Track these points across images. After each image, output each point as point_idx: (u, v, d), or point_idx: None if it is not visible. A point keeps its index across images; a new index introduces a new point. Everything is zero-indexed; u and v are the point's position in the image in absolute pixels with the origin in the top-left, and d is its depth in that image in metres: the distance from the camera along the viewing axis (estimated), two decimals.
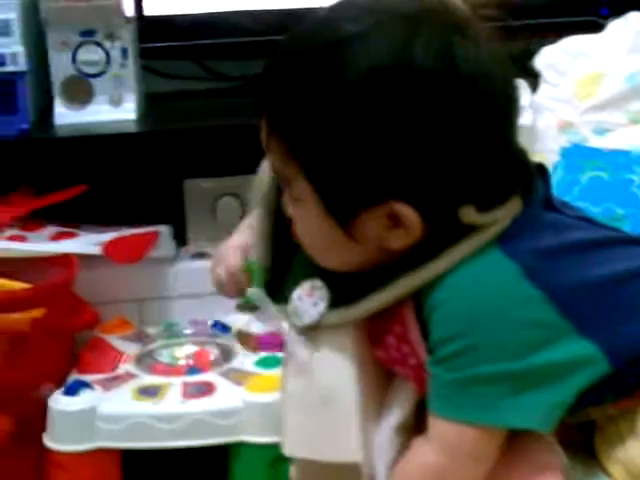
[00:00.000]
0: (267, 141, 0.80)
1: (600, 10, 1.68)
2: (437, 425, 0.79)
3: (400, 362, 0.85)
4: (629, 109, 1.31)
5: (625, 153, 1.25)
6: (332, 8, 0.79)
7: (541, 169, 0.86)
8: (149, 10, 1.68)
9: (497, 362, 0.76)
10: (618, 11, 1.52)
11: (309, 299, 0.84)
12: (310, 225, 0.81)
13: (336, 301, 0.83)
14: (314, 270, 0.85)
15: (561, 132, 1.34)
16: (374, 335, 0.86)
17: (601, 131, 1.32)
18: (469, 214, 0.78)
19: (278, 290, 0.90)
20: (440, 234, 0.79)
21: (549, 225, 0.82)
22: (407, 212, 0.77)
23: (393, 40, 0.75)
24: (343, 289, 0.84)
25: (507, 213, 0.80)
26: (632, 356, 0.80)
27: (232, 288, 0.99)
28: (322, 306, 0.83)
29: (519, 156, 0.82)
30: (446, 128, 0.75)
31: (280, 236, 0.90)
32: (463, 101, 0.75)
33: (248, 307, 1.09)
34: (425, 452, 0.79)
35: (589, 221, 0.86)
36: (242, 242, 0.99)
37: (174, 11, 1.70)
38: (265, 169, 0.90)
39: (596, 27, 1.48)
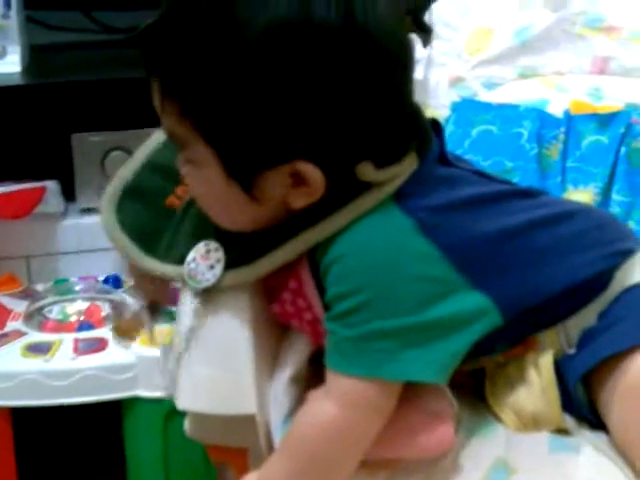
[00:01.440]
0: (160, 102, 0.78)
1: None
2: (336, 380, 0.79)
3: (296, 317, 0.85)
4: (518, 64, 1.33)
5: (514, 107, 1.27)
6: None
7: (435, 125, 0.86)
8: None
9: (392, 317, 0.77)
10: None
11: (205, 262, 0.83)
12: (209, 187, 0.80)
13: (232, 261, 0.83)
14: (207, 230, 0.83)
15: (452, 87, 1.35)
16: (270, 290, 0.85)
17: (491, 85, 1.33)
18: (367, 171, 0.78)
19: (152, 243, 0.88)
20: (338, 192, 0.78)
21: (444, 180, 0.82)
22: (310, 170, 0.77)
23: (292, 2, 0.73)
24: (239, 249, 0.83)
25: (403, 170, 0.80)
26: (522, 307, 0.82)
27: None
28: (219, 269, 0.82)
29: (414, 112, 0.82)
30: (345, 83, 0.75)
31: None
32: (361, 56, 0.75)
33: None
34: (324, 407, 0.79)
35: (483, 175, 0.87)
36: None
37: None
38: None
39: None
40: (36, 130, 1.55)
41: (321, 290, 0.81)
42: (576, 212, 0.87)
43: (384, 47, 0.76)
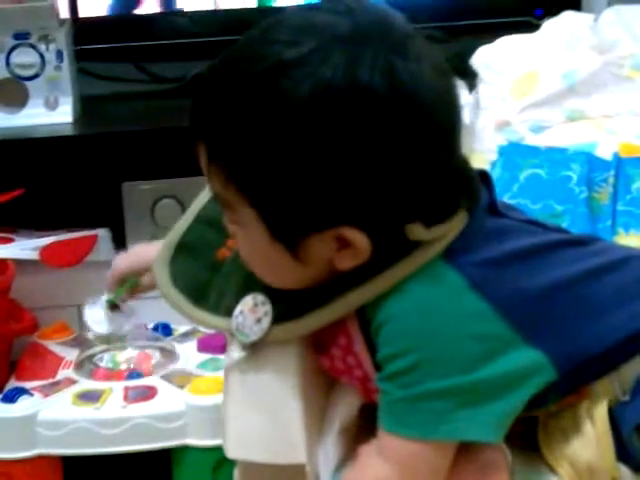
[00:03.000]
0: (206, 166, 0.78)
1: (534, 11, 1.70)
2: (389, 441, 0.78)
3: (346, 373, 0.85)
4: (565, 107, 1.33)
5: (562, 150, 1.27)
6: (265, 29, 0.77)
7: (483, 175, 0.85)
8: (84, 12, 1.66)
9: (446, 377, 0.76)
10: (552, 12, 1.54)
11: (252, 315, 0.83)
12: (254, 247, 0.80)
13: (280, 316, 0.82)
14: (255, 282, 0.83)
15: (499, 131, 1.35)
16: (319, 345, 0.85)
17: (538, 129, 1.33)
18: (416, 231, 0.77)
19: (203, 295, 0.89)
20: (387, 251, 0.78)
21: (494, 233, 0.81)
22: (355, 235, 0.76)
23: (335, 65, 0.73)
24: (287, 303, 0.82)
25: (453, 227, 0.79)
26: (577, 361, 0.80)
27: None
28: (266, 323, 0.82)
29: (462, 168, 0.81)
30: (391, 148, 0.74)
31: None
32: (407, 120, 0.74)
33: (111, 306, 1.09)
34: (380, 467, 0.78)
35: (534, 223, 0.86)
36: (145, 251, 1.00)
37: (109, 12, 1.68)
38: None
39: (530, 27, 1.50)
40: (88, 179, 1.57)
41: (371, 348, 0.80)
42: (631, 258, 0.86)
43: (429, 111, 0.75)
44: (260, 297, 0.83)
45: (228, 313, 0.85)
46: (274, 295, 0.83)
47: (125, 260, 1.05)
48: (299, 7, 0.80)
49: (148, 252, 0.99)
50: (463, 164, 0.81)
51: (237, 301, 0.84)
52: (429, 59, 0.76)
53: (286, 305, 0.82)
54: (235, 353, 0.85)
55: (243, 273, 0.84)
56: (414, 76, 0.74)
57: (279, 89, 0.73)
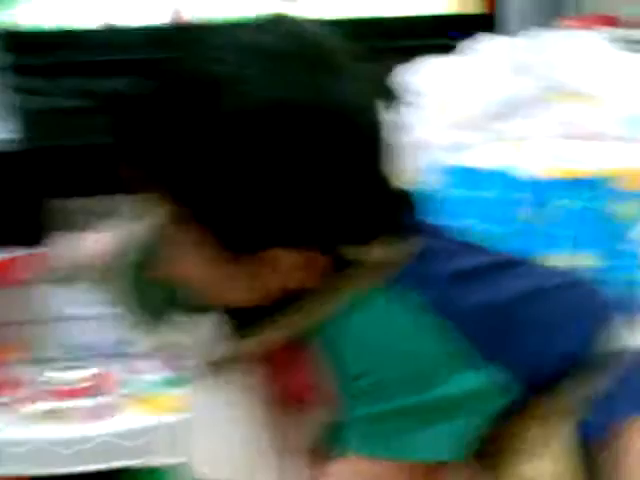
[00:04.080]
0: (150, 194, 0.78)
1: (450, 33, 1.74)
2: (350, 460, 0.79)
3: (305, 392, 0.85)
4: (485, 129, 1.36)
5: (480, 171, 1.29)
6: (192, 46, 0.77)
7: (411, 197, 0.86)
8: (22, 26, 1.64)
9: (403, 396, 0.77)
10: (467, 34, 1.58)
11: (209, 333, 0.84)
12: (196, 267, 0.80)
13: (236, 332, 0.83)
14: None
15: (420, 151, 1.38)
16: (278, 365, 0.86)
17: (458, 149, 1.36)
18: (351, 251, 0.78)
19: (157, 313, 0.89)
20: (330, 272, 0.79)
21: (437, 254, 0.82)
22: (286, 256, 0.77)
23: (260, 83, 0.74)
24: (238, 321, 0.83)
25: (389, 249, 0.80)
26: (538, 375, 0.81)
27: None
28: (223, 341, 0.83)
29: (390, 190, 0.82)
30: (314, 161, 0.75)
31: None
32: (329, 134, 0.75)
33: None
34: None
35: (467, 245, 0.88)
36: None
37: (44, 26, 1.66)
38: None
39: (446, 49, 1.53)
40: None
41: (328, 370, 0.81)
42: (563, 281, 0.87)
43: (351, 124, 0.75)
44: (216, 316, 0.84)
45: (186, 330, 0.86)
46: (230, 314, 0.83)
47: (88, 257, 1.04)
48: (227, 26, 0.80)
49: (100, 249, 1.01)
50: (391, 184, 0.82)
51: (193, 319, 0.85)
52: (353, 76, 0.77)
53: (241, 322, 0.83)
54: (196, 372, 0.85)
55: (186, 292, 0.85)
56: (339, 92, 0.75)
57: (203, 108, 0.74)
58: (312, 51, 0.76)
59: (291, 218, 0.76)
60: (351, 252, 0.79)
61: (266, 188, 0.74)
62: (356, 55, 0.80)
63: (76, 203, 1.55)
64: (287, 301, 0.80)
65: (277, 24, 0.78)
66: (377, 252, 0.79)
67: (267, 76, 0.74)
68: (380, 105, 0.81)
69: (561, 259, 1.17)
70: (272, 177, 0.74)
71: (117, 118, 0.78)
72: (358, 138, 0.77)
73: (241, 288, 0.80)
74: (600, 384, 0.83)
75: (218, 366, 0.84)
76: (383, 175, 0.81)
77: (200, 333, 0.85)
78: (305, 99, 0.74)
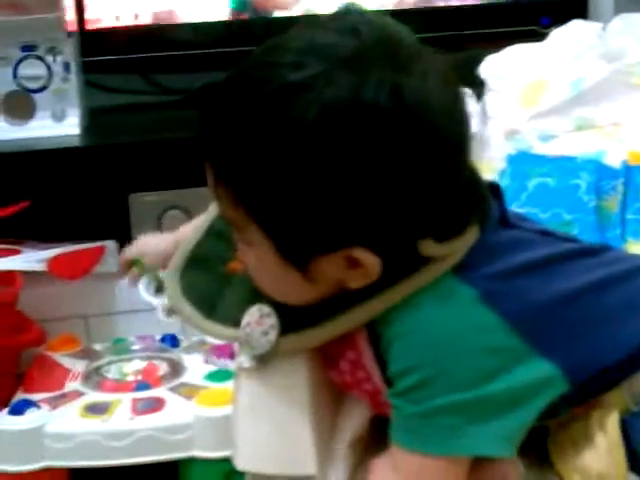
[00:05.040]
0: (214, 187, 0.78)
1: (541, 20, 1.70)
2: (402, 456, 0.78)
3: (355, 386, 0.84)
4: (574, 115, 1.33)
5: (571, 159, 1.26)
6: (267, 51, 0.76)
7: (493, 187, 0.85)
8: (91, 23, 1.66)
9: (457, 392, 0.75)
10: (558, 21, 1.54)
11: (259, 327, 0.82)
12: (263, 266, 0.79)
13: (287, 327, 0.82)
14: (261, 293, 0.83)
15: (507, 139, 1.35)
16: (328, 358, 0.84)
17: (546, 137, 1.33)
18: (428, 247, 0.77)
19: (212, 307, 0.88)
20: (398, 266, 0.77)
21: (505, 246, 0.81)
22: (366, 256, 0.75)
23: (339, 88, 0.72)
24: (294, 315, 0.82)
25: (464, 241, 0.78)
26: (590, 371, 0.79)
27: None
28: (273, 335, 0.82)
29: (473, 182, 0.80)
30: (401, 166, 0.73)
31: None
32: (416, 137, 0.73)
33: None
34: None
35: (545, 233, 0.86)
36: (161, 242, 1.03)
37: (116, 24, 1.68)
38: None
39: (537, 36, 1.50)
40: (94, 191, 1.57)
41: (381, 362, 0.79)
42: None
43: (437, 127, 0.74)
44: (266, 309, 0.82)
45: (236, 324, 0.85)
46: (280, 307, 0.82)
47: (133, 248, 1.10)
48: (303, 24, 0.78)
49: (164, 244, 1.04)
50: (474, 177, 0.80)
51: (244, 312, 0.84)
52: (436, 75, 0.75)
53: (293, 317, 0.82)
54: (244, 364, 0.84)
55: (251, 285, 0.84)
56: (421, 94, 0.73)
57: (285, 113, 0.73)
58: (393, 53, 0.74)
59: (367, 219, 0.74)
60: (431, 249, 0.77)
61: (350, 194, 0.73)
62: (432, 49, 0.78)
63: (152, 197, 1.57)
64: (347, 296, 0.79)
65: (355, 25, 0.76)
66: (449, 248, 0.77)
67: (346, 81, 0.72)
68: (462, 98, 0.79)
69: None
70: (356, 182, 0.73)
71: (199, 119, 0.78)
72: (441, 137, 0.74)
73: (304, 290, 0.79)
74: None
75: (268, 359, 0.83)
76: (466, 172, 0.79)
77: (247, 325, 0.83)
78: (386, 103, 0.72)
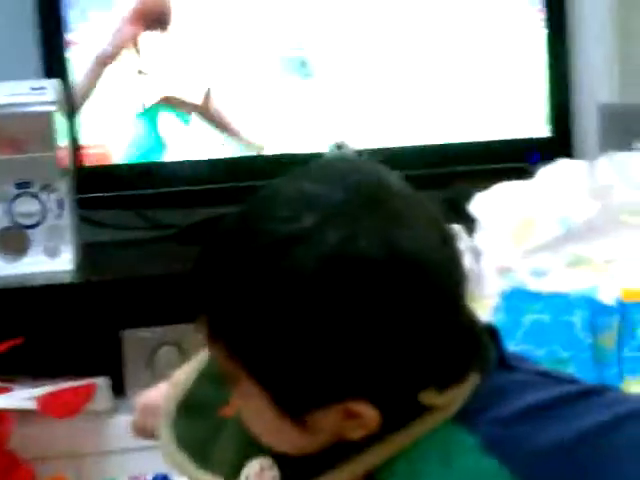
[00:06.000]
0: (209, 340, 0.77)
1: (529, 157, 1.74)
2: None
3: None
4: (566, 252, 1.34)
5: (564, 295, 1.27)
6: (259, 204, 0.76)
7: (491, 330, 0.85)
8: (86, 161, 1.69)
9: None
10: (547, 157, 1.58)
11: None
12: (259, 418, 0.78)
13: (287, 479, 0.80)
14: (259, 444, 0.81)
15: (500, 276, 1.36)
16: None
17: (539, 273, 1.34)
18: (429, 397, 0.76)
19: (207, 455, 0.87)
20: (397, 417, 0.76)
21: (505, 390, 0.80)
22: (365, 409, 0.74)
23: (332, 240, 0.72)
24: (293, 467, 0.80)
25: (464, 389, 0.78)
26: None
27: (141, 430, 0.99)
28: None
29: (471, 326, 0.80)
30: (398, 318, 0.73)
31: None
32: (411, 288, 0.73)
33: None
34: None
35: (545, 375, 0.85)
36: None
37: (110, 161, 1.71)
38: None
39: (525, 173, 1.53)
40: (87, 327, 1.57)
41: None
42: None
43: (432, 276, 0.74)
44: (266, 462, 0.81)
45: (232, 476, 0.83)
46: (280, 458, 0.81)
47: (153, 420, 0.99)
48: (291, 175, 0.79)
49: (156, 401, 0.98)
50: (471, 322, 0.80)
51: (241, 463, 0.82)
52: (428, 223, 0.76)
53: (293, 469, 0.80)
54: None
55: (246, 436, 0.82)
56: (413, 244, 0.73)
57: (278, 267, 0.72)
58: (384, 202, 0.75)
59: (373, 372, 0.73)
60: (432, 399, 0.76)
61: (346, 347, 0.72)
62: (422, 194, 0.78)
63: (145, 333, 1.56)
64: (345, 447, 0.78)
65: (343, 174, 0.76)
66: (451, 395, 0.77)
67: (339, 234, 0.72)
68: (455, 244, 0.80)
69: None
70: (352, 336, 0.72)
71: (192, 272, 0.77)
72: (437, 286, 0.74)
73: (302, 441, 0.78)
74: None
75: None
76: (464, 317, 0.79)
77: (248, 478, 0.82)
78: (380, 255, 0.72)
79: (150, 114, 1.69)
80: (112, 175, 1.72)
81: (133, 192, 1.72)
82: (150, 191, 1.72)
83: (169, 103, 1.69)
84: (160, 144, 1.70)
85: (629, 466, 0.80)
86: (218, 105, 1.70)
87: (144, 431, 1.01)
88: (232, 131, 1.70)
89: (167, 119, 1.70)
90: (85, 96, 1.68)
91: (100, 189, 1.71)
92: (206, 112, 1.70)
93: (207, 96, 1.70)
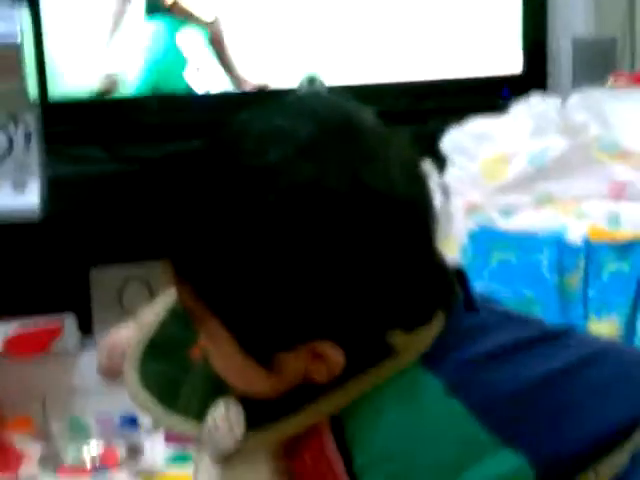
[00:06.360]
0: (174, 281, 0.75)
1: (501, 92, 1.72)
2: None
3: (317, 478, 0.83)
4: (535, 190, 1.33)
5: (532, 235, 1.26)
6: (228, 138, 0.74)
7: (458, 272, 0.84)
8: (53, 94, 1.66)
9: None
10: (519, 92, 1.56)
11: (224, 423, 0.80)
12: (225, 360, 0.77)
13: (253, 422, 0.80)
14: (225, 387, 0.81)
15: (469, 214, 1.35)
16: (290, 449, 0.83)
17: (508, 212, 1.33)
18: (395, 338, 0.75)
19: (173, 397, 0.86)
20: (363, 358, 0.75)
21: (470, 332, 0.79)
22: (330, 351, 0.73)
23: (301, 174, 0.70)
24: (259, 410, 0.80)
25: (432, 331, 0.77)
26: (556, 461, 0.78)
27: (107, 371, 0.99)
28: (238, 432, 0.80)
29: (439, 268, 0.79)
30: (366, 254, 0.71)
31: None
32: (379, 226, 0.71)
33: None
34: None
35: (510, 316, 0.85)
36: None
37: (78, 95, 1.68)
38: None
39: (497, 108, 1.51)
40: (54, 263, 1.56)
41: (345, 455, 0.78)
42: (605, 353, 0.84)
43: (400, 213, 0.72)
44: (232, 403, 0.81)
45: (198, 417, 0.83)
46: (245, 401, 0.80)
47: (119, 360, 0.98)
48: (262, 110, 0.77)
49: (124, 340, 0.98)
50: (439, 262, 0.80)
51: (207, 406, 0.82)
52: (397, 159, 0.74)
53: (258, 411, 0.80)
54: (206, 458, 0.82)
55: (213, 376, 0.82)
56: (382, 180, 0.72)
57: (244, 202, 0.71)
58: (354, 139, 0.73)
59: (339, 312, 0.72)
60: (399, 340, 0.76)
61: (312, 285, 0.71)
62: (393, 129, 0.77)
63: (112, 269, 1.55)
64: (310, 389, 0.78)
65: (315, 109, 0.74)
66: (417, 337, 0.76)
67: (307, 169, 0.70)
68: (426, 182, 0.78)
69: (611, 325, 1.13)
70: (318, 272, 0.70)
71: (158, 211, 0.76)
72: (406, 225, 0.73)
73: (268, 383, 0.77)
74: (622, 463, 0.80)
75: (232, 454, 0.81)
76: (433, 257, 0.77)
77: (212, 421, 0.81)
78: (348, 191, 0.70)
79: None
80: (80, 108, 1.69)
81: (101, 125, 1.69)
82: (117, 125, 1.70)
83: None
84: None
85: (592, 409, 0.80)
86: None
87: (110, 372, 1.01)
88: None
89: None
90: (55, 26, 1.64)
91: (67, 123, 1.68)
92: None
93: None
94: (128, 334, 1.00)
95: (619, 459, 0.81)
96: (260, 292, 0.71)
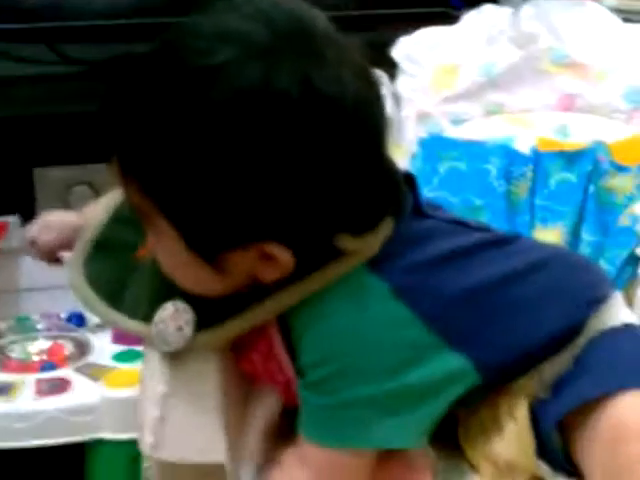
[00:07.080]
0: (120, 177, 0.75)
1: (453, 2, 1.71)
2: (310, 449, 0.78)
3: (267, 377, 0.84)
4: (485, 100, 1.34)
5: (481, 143, 1.27)
6: (176, 37, 0.74)
7: (408, 178, 0.84)
8: None
9: (367, 385, 0.75)
10: (471, 3, 1.55)
11: (173, 323, 0.81)
12: (173, 258, 0.78)
13: (201, 322, 0.81)
14: (173, 287, 0.81)
15: (419, 122, 1.35)
16: (239, 349, 0.84)
17: (458, 121, 1.34)
18: (343, 241, 0.76)
19: (119, 296, 0.86)
20: (310, 259, 0.76)
21: (418, 237, 0.81)
22: (279, 252, 0.74)
23: (251, 75, 0.70)
24: (207, 310, 0.80)
25: (379, 235, 0.78)
26: (500, 363, 0.81)
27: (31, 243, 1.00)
28: (188, 331, 0.80)
29: (389, 173, 0.80)
30: (314, 156, 0.72)
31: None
32: (329, 128, 0.72)
33: None
34: (297, 474, 0.78)
35: (458, 223, 0.86)
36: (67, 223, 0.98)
37: None
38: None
39: (449, 18, 1.50)
40: None
41: (293, 353, 0.79)
42: (551, 259, 0.86)
43: (350, 116, 0.72)
44: (181, 304, 0.81)
45: (146, 318, 0.83)
46: (194, 301, 0.81)
47: (50, 236, 1.01)
48: (212, 10, 0.76)
49: (69, 224, 0.98)
50: (389, 168, 0.80)
51: (155, 306, 0.82)
52: (350, 64, 0.74)
53: (206, 312, 0.80)
54: (154, 357, 0.83)
55: (161, 277, 0.82)
56: (334, 83, 0.72)
57: (192, 99, 0.71)
58: (306, 43, 0.73)
59: (287, 213, 0.73)
60: (346, 243, 0.76)
61: (259, 185, 0.71)
62: (345, 34, 0.76)
63: (58, 171, 1.53)
64: (258, 289, 0.78)
65: (267, 12, 0.74)
66: (365, 241, 0.77)
67: (257, 71, 0.71)
68: (378, 86, 0.78)
69: (556, 233, 1.15)
70: (265, 173, 0.71)
71: (102, 107, 0.75)
72: (356, 128, 0.73)
73: (215, 283, 0.78)
74: (565, 365, 0.82)
75: (180, 353, 0.82)
76: (383, 162, 0.78)
77: (161, 321, 0.82)
78: (298, 94, 0.71)
79: None
80: (23, 5, 1.65)
81: (44, 24, 1.65)
82: (61, 24, 1.66)
83: None
84: None
85: (539, 312, 0.82)
86: None
87: (34, 245, 1.00)
88: None
89: None
90: None
91: (10, 20, 1.64)
92: None
93: None
94: (65, 217, 0.99)
95: (563, 360, 0.83)
96: (204, 190, 0.71)
